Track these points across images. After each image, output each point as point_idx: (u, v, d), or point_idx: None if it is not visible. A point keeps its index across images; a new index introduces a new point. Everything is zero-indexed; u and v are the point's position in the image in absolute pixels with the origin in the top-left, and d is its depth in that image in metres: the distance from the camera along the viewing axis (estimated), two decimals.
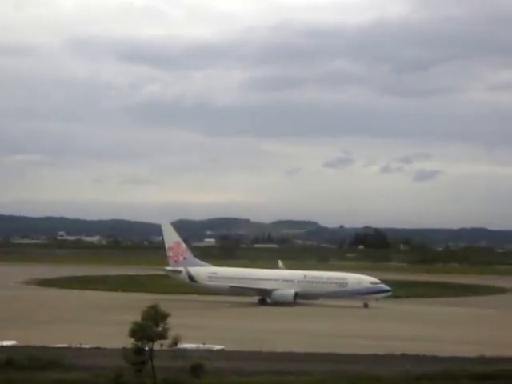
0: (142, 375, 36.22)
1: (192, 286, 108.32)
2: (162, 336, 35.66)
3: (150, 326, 35.74)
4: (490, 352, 53.06)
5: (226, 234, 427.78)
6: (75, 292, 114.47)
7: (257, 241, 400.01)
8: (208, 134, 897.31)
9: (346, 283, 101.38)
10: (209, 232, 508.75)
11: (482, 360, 49.67)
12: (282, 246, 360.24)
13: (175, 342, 35.62)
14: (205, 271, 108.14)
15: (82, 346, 55.19)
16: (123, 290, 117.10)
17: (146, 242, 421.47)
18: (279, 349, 52.87)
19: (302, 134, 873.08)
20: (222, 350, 55.20)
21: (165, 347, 35.86)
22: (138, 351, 36.11)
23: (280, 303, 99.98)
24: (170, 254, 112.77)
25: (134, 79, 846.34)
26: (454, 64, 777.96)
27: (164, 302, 40.16)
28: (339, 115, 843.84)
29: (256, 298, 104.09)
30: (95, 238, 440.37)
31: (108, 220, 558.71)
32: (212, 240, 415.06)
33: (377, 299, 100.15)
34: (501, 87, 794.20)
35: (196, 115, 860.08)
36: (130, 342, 36.21)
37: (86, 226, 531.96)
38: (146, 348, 36.15)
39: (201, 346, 50.23)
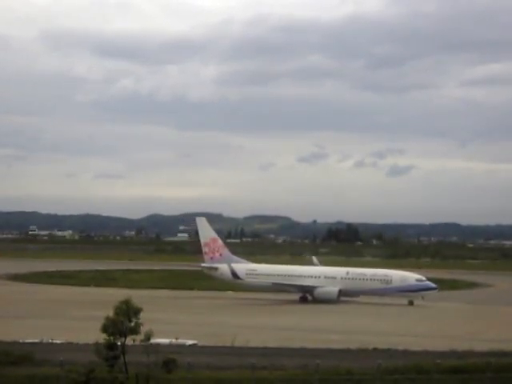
0: (114, 370, 36.12)
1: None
2: (135, 331, 35.57)
3: (123, 320, 35.65)
4: (461, 346, 53.46)
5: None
6: (47, 287, 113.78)
7: (229, 236, 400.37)
8: (182, 128, 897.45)
9: (391, 280, 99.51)
10: (182, 227, 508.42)
11: (453, 354, 50.04)
12: (255, 240, 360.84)
13: (148, 337, 35.54)
14: (242, 268, 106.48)
15: (54, 341, 54.93)
16: (95, 285, 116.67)
17: (118, 237, 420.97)
18: (252, 344, 52.88)
19: (276, 129, 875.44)
20: (194, 344, 55.30)
21: (137, 342, 35.77)
22: (111, 346, 36.01)
23: (323, 301, 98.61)
24: (205, 250, 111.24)
25: (108, 73, 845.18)
26: (427, 60, 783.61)
27: (137, 297, 39.99)
28: (314, 110, 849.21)
29: (297, 296, 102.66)
30: (67, 233, 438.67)
31: (80, 215, 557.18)
32: (185, 235, 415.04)
33: (423, 297, 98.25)
34: (474, 83, 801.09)
35: (170, 110, 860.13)
36: (102, 337, 36.11)
37: (58, 221, 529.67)
38: (119, 343, 36.07)
39: (173, 340, 50.14)
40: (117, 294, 44.32)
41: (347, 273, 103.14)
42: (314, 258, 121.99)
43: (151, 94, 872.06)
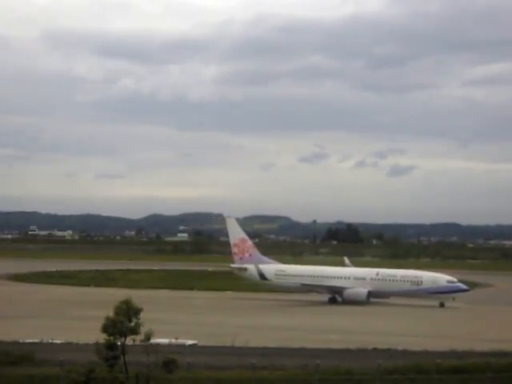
0: (114, 370, 36.11)
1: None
2: (135, 331, 35.56)
3: (123, 320, 35.63)
4: (461, 346, 53.46)
5: (199, 229, 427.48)
6: (47, 287, 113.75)
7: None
8: (182, 128, 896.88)
9: (421, 281, 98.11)
10: (181, 227, 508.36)
11: (453, 354, 50.03)
12: (255, 240, 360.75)
13: (148, 337, 35.53)
14: (271, 268, 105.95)
15: (54, 341, 54.96)
16: (95, 285, 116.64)
17: (118, 237, 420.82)
18: (252, 344, 52.86)
19: (276, 129, 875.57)
20: (194, 344, 55.32)
21: (137, 342, 35.75)
22: (111, 346, 36.00)
23: (352, 302, 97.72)
24: (235, 250, 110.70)
25: (109, 73, 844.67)
26: (427, 60, 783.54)
27: (137, 297, 39.93)
28: (314, 110, 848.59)
29: (326, 297, 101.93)
30: (67, 233, 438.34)
31: (80, 215, 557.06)
32: (185, 235, 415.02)
33: (453, 299, 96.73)
34: (474, 83, 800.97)
35: (170, 110, 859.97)
36: (102, 337, 36.10)
37: (58, 221, 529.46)
38: (119, 343, 36.06)
39: (173, 340, 50.17)
40: (117, 294, 44.32)
41: (377, 274, 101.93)
42: (346, 259, 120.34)
43: (151, 93, 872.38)
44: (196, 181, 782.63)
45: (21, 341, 54.09)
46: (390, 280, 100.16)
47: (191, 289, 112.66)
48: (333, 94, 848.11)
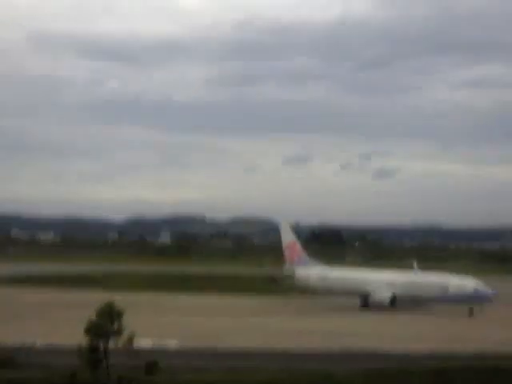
0: (97, 373, 35.95)
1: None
2: (118, 333, 35.43)
3: (105, 323, 35.50)
4: (442, 349, 53.59)
5: (182, 232, 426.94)
6: (28, 290, 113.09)
7: (213, 238, 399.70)
8: (167, 130, 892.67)
9: (447, 287, 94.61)
10: (164, 229, 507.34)
11: (434, 357, 50.14)
12: (239, 243, 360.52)
13: (130, 340, 35.41)
14: (316, 272, 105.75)
15: (36, 344, 54.63)
16: (78, 288, 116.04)
17: (101, 240, 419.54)
18: (236, 345, 52.76)
19: (262, 131, 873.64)
20: (177, 346, 55.16)
21: (120, 345, 35.63)
22: (93, 349, 35.84)
23: (377, 307, 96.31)
24: (286, 253, 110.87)
25: (94, 75, 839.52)
26: (415, 62, 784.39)
27: (120, 300, 39.78)
28: (300, 112, 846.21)
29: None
30: (49, 236, 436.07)
31: (63, 217, 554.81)
32: (168, 238, 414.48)
33: (482, 306, 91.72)
34: (461, 86, 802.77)
35: (156, 112, 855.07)
36: (85, 340, 35.94)
37: (40, 224, 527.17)
38: (101, 346, 35.90)
39: (156, 342, 50.06)
40: (100, 297, 44.13)
41: (406, 278, 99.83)
42: (414, 263, 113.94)
43: (137, 95, 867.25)
44: (180, 183, 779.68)
45: (2, 344, 53.70)
46: (417, 285, 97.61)
47: (176, 291, 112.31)
48: (320, 96, 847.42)
